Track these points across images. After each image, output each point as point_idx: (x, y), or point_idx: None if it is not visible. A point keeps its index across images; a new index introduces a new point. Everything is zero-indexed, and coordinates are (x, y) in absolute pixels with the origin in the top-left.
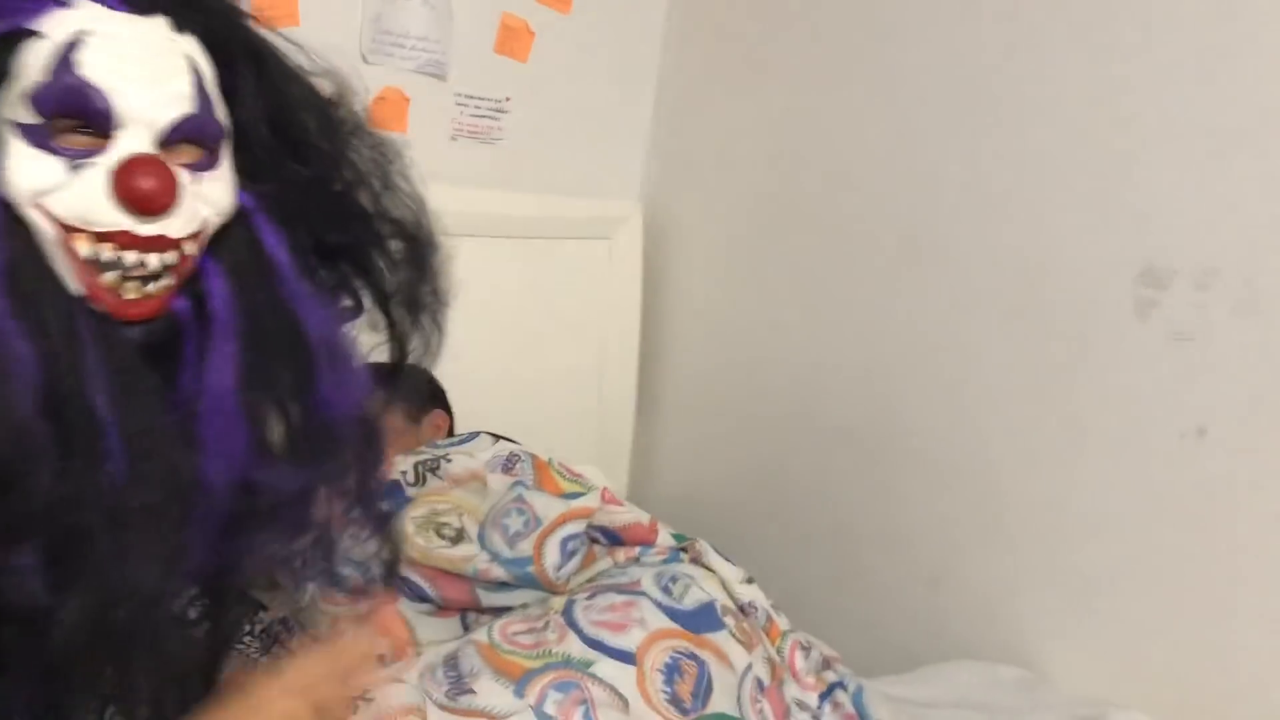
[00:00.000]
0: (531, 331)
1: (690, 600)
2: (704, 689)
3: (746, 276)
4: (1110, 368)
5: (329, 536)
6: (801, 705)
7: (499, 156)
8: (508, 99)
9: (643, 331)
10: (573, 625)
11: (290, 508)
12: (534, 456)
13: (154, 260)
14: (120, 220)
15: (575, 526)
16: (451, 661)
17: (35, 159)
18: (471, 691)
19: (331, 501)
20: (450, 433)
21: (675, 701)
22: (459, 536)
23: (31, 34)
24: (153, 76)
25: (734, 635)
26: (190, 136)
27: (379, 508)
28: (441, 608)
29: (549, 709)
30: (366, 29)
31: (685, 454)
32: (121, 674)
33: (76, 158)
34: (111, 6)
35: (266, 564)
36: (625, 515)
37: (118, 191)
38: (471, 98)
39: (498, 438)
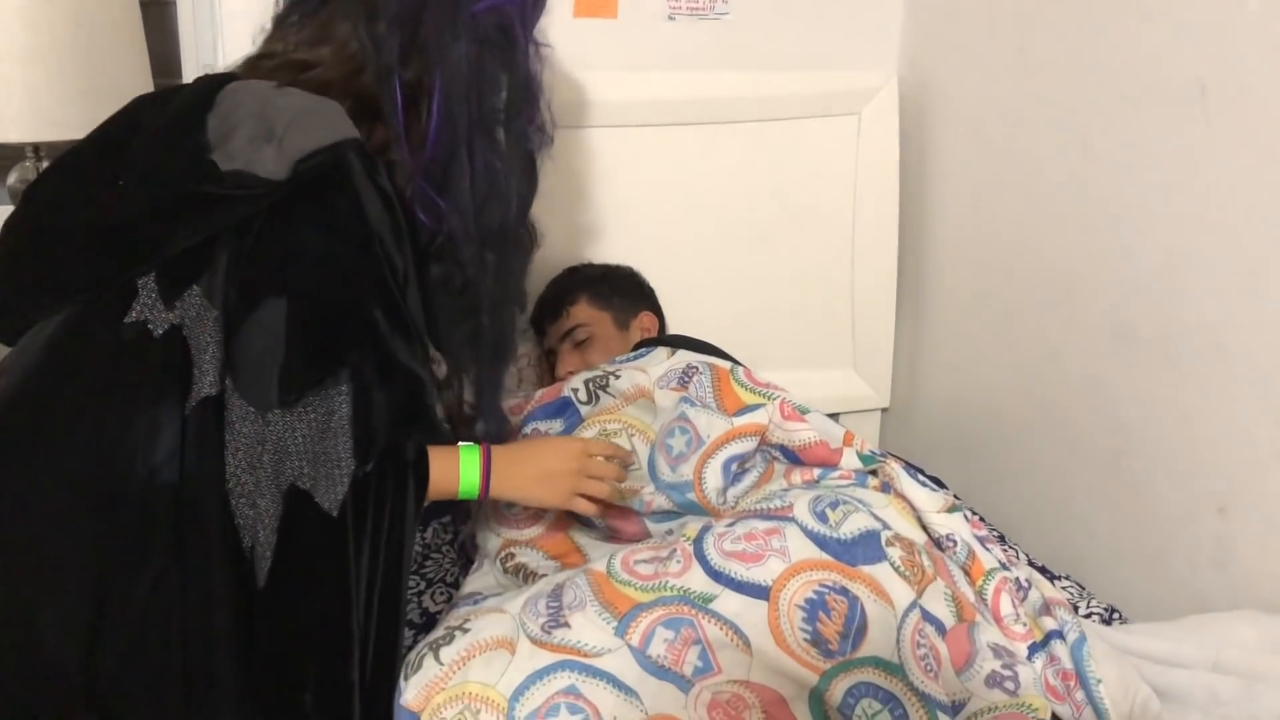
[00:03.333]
0: (771, 223)
1: (849, 528)
2: (856, 629)
3: (1015, 149)
4: None
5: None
6: (998, 651)
7: (723, 34)
8: None
9: (901, 217)
10: (700, 556)
11: None
12: (714, 366)
13: None
14: None
15: (742, 445)
16: (557, 592)
17: None
18: (566, 626)
19: None
20: (661, 333)
21: (818, 642)
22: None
23: None
24: None
25: (897, 569)
26: None
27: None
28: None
29: (656, 648)
30: None
31: (951, 356)
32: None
33: None
34: None
35: None
36: (804, 433)
37: None
38: None
39: (682, 346)
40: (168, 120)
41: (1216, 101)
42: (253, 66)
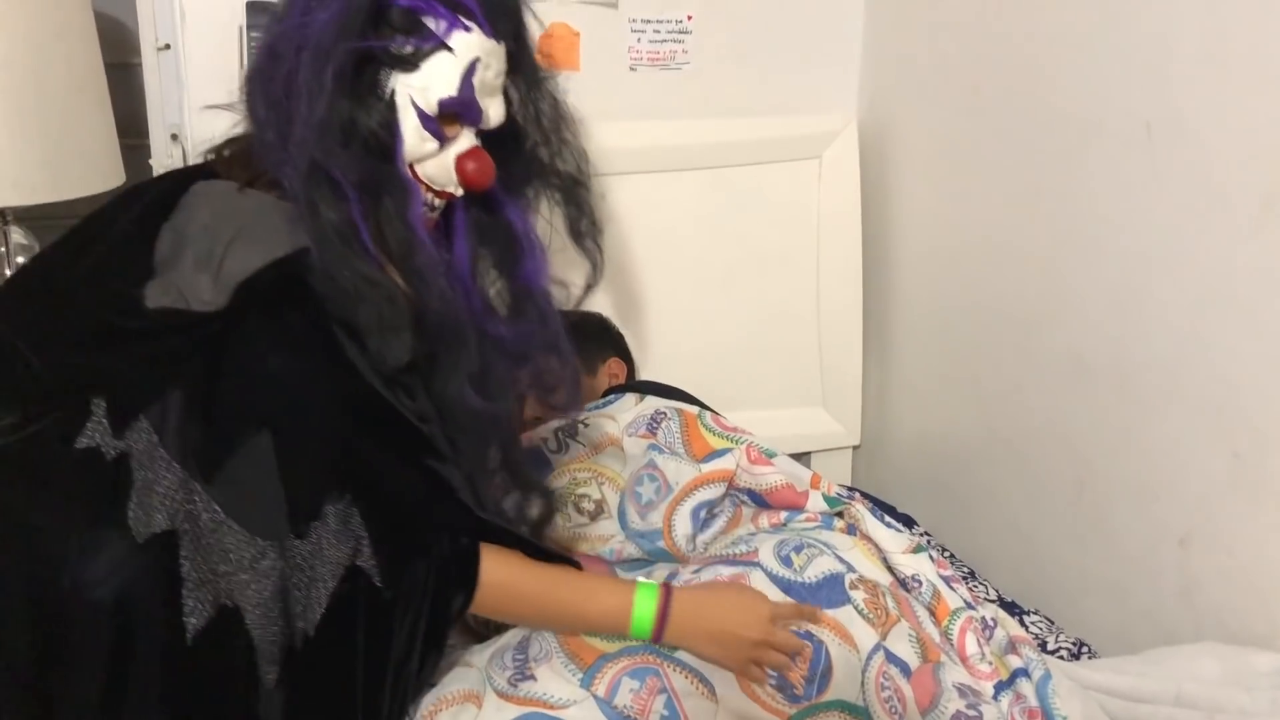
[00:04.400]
0: (739, 269)
1: (813, 572)
2: (820, 672)
3: (972, 188)
4: None
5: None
6: (963, 691)
7: (684, 83)
8: (689, 18)
9: (864, 257)
10: None
11: (512, 345)
12: (682, 412)
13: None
14: (449, 185)
15: (710, 491)
16: (523, 644)
17: (424, 138)
18: (532, 678)
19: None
20: (630, 379)
21: (784, 687)
22: (598, 510)
23: (445, 47)
24: (493, 90)
25: (861, 611)
26: (494, 133)
27: (567, 354)
28: None
29: (622, 699)
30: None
31: (919, 392)
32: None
33: (444, 142)
34: (486, 34)
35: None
36: (771, 477)
37: (461, 172)
38: (648, 22)
39: (650, 393)
40: (121, 232)
41: (1161, 140)
42: (219, 155)
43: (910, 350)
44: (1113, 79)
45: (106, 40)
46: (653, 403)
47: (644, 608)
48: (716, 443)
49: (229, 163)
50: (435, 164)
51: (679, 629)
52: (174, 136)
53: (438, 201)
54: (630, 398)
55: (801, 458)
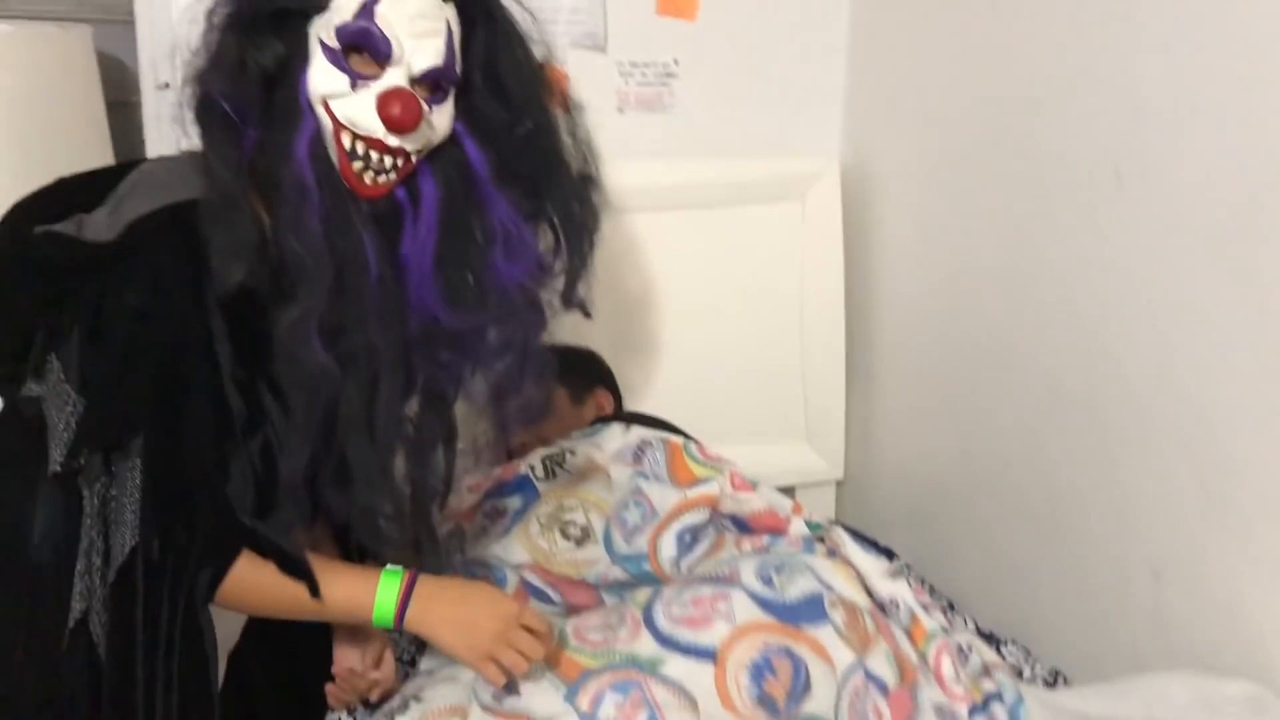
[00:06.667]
0: (724, 306)
1: (795, 592)
2: (801, 688)
3: (950, 228)
4: None
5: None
6: (941, 711)
7: (671, 124)
8: (676, 62)
9: (847, 296)
10: (649, 622)
11: (467, 339)
12: (667, 441)
13: (388, 160)
14: (376, 130)
15: (695, 516)
16: None
17: (330, 73)
18: (517, 694)
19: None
20: (617, 411)
21: (765, 701)
22: (584, 536)
23: None
24: (421, 33)
25: (839, 631)
26: (432, 80)
27: (539, 356)
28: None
29: (606, 712)
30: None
31: (900, 427)
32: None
33: (357, 79)
34: None
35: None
36: (755, 502)
37: (380, 111)
38: (636, 65)
39: (637, 423)
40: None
41: (1130, 184)
42: None
43: (892, 385)
44: (1083, 126)
45: (108, 79)
46: (639, 432)
47: (387, 590)
48: (700, 471)
49: None
50: (353, 105)
51: (422, 611)
52: None
53: (373, 153)
54: (617, 427)
55: (785, 492)
